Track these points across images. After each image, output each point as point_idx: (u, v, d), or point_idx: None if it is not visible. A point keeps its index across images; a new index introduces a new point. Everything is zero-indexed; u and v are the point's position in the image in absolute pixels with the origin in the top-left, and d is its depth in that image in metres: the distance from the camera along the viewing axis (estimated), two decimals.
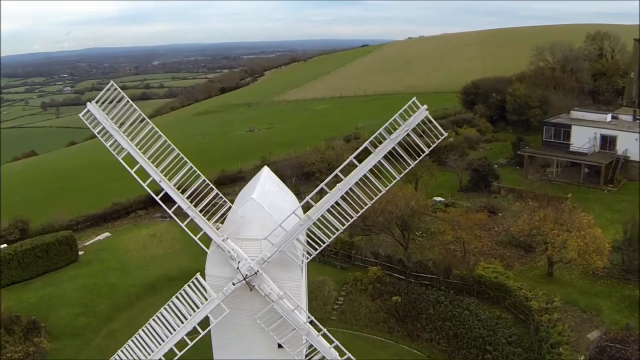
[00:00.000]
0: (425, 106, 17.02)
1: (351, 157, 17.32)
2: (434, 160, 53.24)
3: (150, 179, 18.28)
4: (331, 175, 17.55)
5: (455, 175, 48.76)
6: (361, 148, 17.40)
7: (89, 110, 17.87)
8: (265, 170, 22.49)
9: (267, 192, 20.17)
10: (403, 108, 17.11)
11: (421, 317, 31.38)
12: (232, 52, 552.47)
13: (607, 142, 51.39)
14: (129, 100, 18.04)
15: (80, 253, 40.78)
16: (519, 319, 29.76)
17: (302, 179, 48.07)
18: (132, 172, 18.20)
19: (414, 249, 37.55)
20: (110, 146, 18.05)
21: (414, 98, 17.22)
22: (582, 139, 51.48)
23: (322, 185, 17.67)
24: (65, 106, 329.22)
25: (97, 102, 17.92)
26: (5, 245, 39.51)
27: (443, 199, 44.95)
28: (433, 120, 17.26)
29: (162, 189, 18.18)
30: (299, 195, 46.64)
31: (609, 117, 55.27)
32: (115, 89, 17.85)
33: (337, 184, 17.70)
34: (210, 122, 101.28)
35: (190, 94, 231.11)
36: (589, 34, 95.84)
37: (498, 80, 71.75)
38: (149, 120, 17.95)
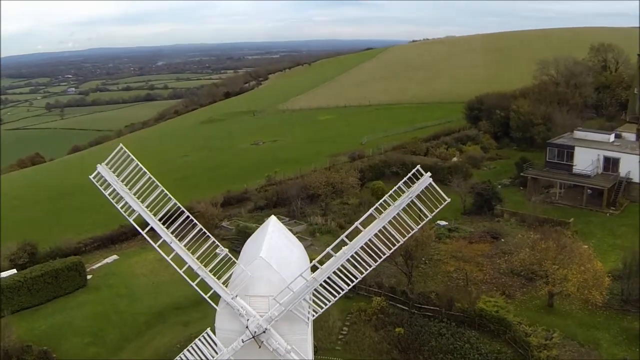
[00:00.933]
0: (428, 174, 17.54)
1: (356, 224, 17.94)
2: (440, 181, 53.90)
3: (162, 239, 18.91)
4: (337, 240, 18.21)
5: (459, 196, 49.17)
6: (366, 215, 18.03)
7: (99, 173, 18.51)
8: (272, 221, 22.99)
9: (274, 246, 20.68)
10: (407, 176, 17.63)
11: (423, 349, 31.85)
12: (236, 53, 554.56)
13: (610, 164, 51.76)
14: (139, 163, 18.63)
15: (89, 277, 41.36)
16: (518, 354, 30.22)
17: (307, 201, 48.62)
18: (143, 233, 18.90)
19: (417, 277, 38.02)
20: (121, 208, 18.71)
21: (418, 166, 17.74)
22: (585, 160, 51.85)
23: (328, 249, 18.28)
24: (69, 107, 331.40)
25: (107, 164, 18.55)
26: (14, 270, 40.18)
27: (447, 223, 45.41)
28: (436, 187, 17.76)
29: (173, 250, 18.84)
30: (304, 218, 47.50)
31: (612, 137, 55.62)
32: (125, 152, 18.45)
33: (343, 248, 18.30)
34: (215, 133, 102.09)
35: (195, 97, 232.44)
36: (592, 45, 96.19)
37: (502, 96, 72.17)
38: (158, 184, 18.55)
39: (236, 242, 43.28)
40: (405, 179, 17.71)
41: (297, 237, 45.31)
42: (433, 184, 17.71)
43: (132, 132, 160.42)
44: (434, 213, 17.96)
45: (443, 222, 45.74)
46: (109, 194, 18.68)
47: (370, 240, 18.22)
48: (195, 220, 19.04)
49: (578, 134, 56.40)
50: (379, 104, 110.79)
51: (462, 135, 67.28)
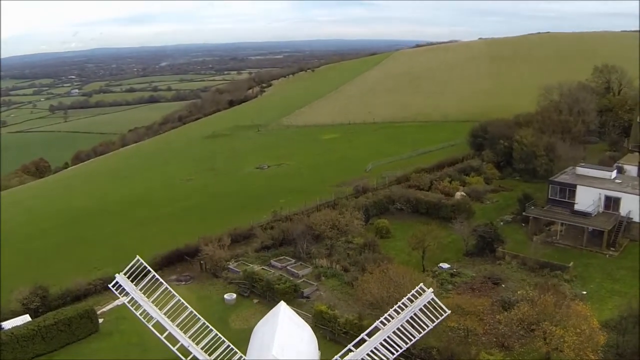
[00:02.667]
0: (430, 289, 18.55)
1: (363, 335, 18.94)
2: (443, 218, 54.76)
3: (179, 344, 19.88)
4: (344, 350, 19.23)
5: (461, 237, 49.99)
6: (372, 327, 19.02)
7: (117, 282, 19.59)
8: (282, 308, 23.87)
9: (286, 342, 21.55)
10: (411, 293, 18.61)
11: None
12: (239, 53, 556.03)
13: (611, 203, 52.47)
14: (155, 274, 19.68)
15: (100, 321, 42.26)
16: None
17: (312, 241, 49.53)
18: (161, 337, 19.86)
19: None
20: (140, 314, 19.73)
21: (421, 284, 18.73)
22: (587, 199, 52.57)
23: (336, 357, 19.28)
24: (73, 109, 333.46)
25: (125, 274, 19.65)
26: (27, 315, 41.29)
27: (449, 266, 46.28)
28: (437, 301, 18.75)
29: (191, 353, 19.81)
30: (310, 260, 48.39)
31: (614, 173, 56.29)
32: (142, 264, 19.56)
33: (350, 354, 19.31)
34: (220, 151, 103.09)
35: (198, 101, 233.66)
36: (596, 67, 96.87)
37: (506, 125, 72.97)
38: (174, 293, 19.57)
39: (243, 286, 44.33)
40: (409, 295, 18.72)
41: (303, 282, 46.52)
42: (435, 298, 18.72)
43: (136, 143, 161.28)
44: (435, 324, 18.98)
45: (445, 265, 46.62)
46: (128, 302, 19.72)
47: (375, 347, 19.19)
48: (210, 326, 19.97)
49: (580, 170, 57.07)
50: (383, 121, 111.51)
51: (466, 166, 68.04)
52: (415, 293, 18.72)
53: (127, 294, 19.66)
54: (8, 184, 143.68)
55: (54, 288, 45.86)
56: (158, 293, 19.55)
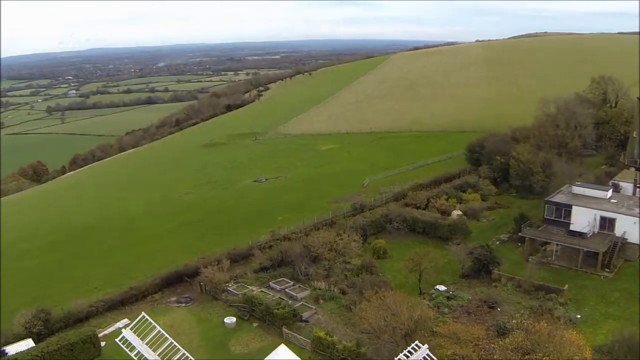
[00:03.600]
0: (425, 346, 19.16)
1: None
2: (440, 238, 55.42)
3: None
4: None
5: (458, 259, 50.54)
6: None
7: (124, 337, 20.14)
8: (282, 351, 24.48)
9: None
10: (407, 349, 19.18)
11: None
12: (236, 53, 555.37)
13: (607, 223, 53.06)
14: (160, 329, 20.23)
15: (102, 344, 42.65)
16: None
17: (310, 262, 50.04)
18: None
19: None
20: None
21: (417, 342, 19.32)
22: (583, 220, 53.13)
23: None
24: (70, 110, 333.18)
25: (131, 328, 20.21)
26: (30, 340, 41.73)
27: (445, 288, 46.86)
28: (432, 356, 19.32)
29: None
30: (308, 282, 48.86)
31: (609, 193, 56.81)
32: (147, 320, 20.14)
33: None
34: (217, 161, 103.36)
35: (196, 103, 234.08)
36: (593, 78, 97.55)
37: (502, 141, 73.48)
38: (180, 347, 20.09)
39: (243, 309, 44.80)
40: (405, 351, 19.31)
41: (301, 305, 47.06)
42: (429, 354, 19.31)
43: (134, 148, 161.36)
44: None
45: (442, 288, 47.19)
46: (135, 355, 20.23)
47: None
48: None
49: (576, 189, 57.58)
50: (380, 130, 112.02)
51: (463, 182, 68.56)
52: (411, 349, 19.29)
53: (133, 348, 20.13)
54: (5, 188, 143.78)
55: (55, 309, 46.35)
56: (164, 347, 20.01)
